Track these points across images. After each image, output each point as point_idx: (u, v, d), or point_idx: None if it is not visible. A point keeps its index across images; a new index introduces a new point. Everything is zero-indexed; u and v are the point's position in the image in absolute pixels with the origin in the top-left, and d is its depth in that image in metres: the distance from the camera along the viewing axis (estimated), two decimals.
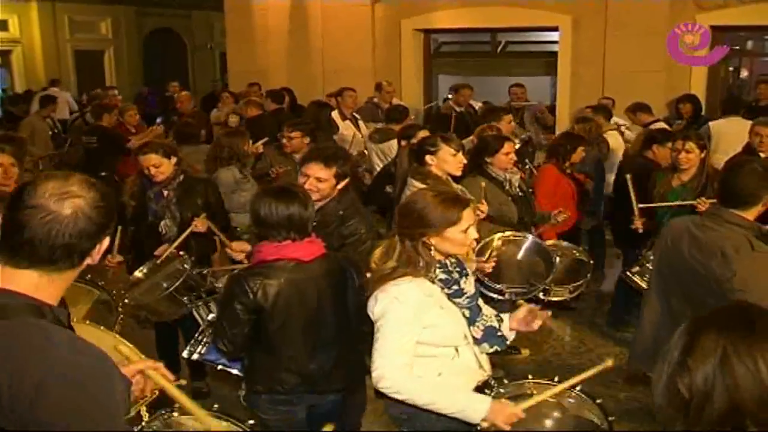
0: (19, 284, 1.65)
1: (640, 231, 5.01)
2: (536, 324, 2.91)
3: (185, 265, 4.23)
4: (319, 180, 3.71)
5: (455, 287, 2.83)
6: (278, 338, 3.11)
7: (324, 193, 3.74)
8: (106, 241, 1.75)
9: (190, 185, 4.69)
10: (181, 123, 7.74)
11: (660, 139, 5.79)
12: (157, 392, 2.72)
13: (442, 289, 2.80)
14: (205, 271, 4.33)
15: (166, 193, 4.61)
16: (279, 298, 3.05)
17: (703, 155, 5.03)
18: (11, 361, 1.54)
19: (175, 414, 2.60)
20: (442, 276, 2.80)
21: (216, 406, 2.63)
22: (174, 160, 4.60)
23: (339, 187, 3.81)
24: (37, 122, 10.16)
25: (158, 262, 4.40)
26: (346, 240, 3.78)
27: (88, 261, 1.74)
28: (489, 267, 4.07)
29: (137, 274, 4.39)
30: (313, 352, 3.14)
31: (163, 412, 2.62)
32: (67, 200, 1.65)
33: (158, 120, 10.24)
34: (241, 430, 2.64)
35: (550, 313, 2.99)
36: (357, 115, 8.67)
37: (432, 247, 2.73)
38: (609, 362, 2.59)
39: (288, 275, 3.06)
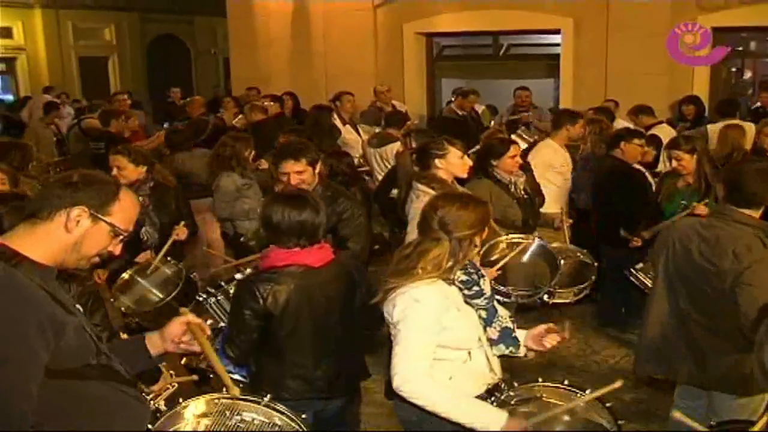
0: (11, 239, 2.01)
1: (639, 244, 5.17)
2: (548, 342, 2.92)
3: (180, 275, 4.27)
4: (299, 173, 4.02)
5: (476, 288, 2.85)
6: (287, 345, 3.12)
7: (309, 182, 4.05)
8: (76, 210, 2.02)
9: (163, 192, 4.82)
10: (170, 130, 7.75)
11: (627, 137, 5.76)
12: (176, 384, 2.73)
13: (462, 290, 2.82)
14: (191, 275, 4.35)
15: (141, 200, 4.62)
16: (289, 305, 3.06)
17: (695, 156, 5.03)
18: None
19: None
20: (464, 277, 2.83)
21: (269, 396, 2.57)
22: (142, 168, 4.69)
23: (318, 171, 4.17)
24: (41, 129, 10.20)
25: (148, 271, 4.39)
26: (342, 216, 4.07)
27: (67, 227, 2.01)
28: (494, 274, 4.09)
29: (124, 276, 4.37)
30: (320, 359, 3.15)
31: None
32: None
33: (165, 125, 10.25)
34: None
35: (567, 335, 3.00)
36: (353, 120, 8.70)
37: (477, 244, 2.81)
38: (618, 383, 2.63)
39: (298, 281, 3.07)
